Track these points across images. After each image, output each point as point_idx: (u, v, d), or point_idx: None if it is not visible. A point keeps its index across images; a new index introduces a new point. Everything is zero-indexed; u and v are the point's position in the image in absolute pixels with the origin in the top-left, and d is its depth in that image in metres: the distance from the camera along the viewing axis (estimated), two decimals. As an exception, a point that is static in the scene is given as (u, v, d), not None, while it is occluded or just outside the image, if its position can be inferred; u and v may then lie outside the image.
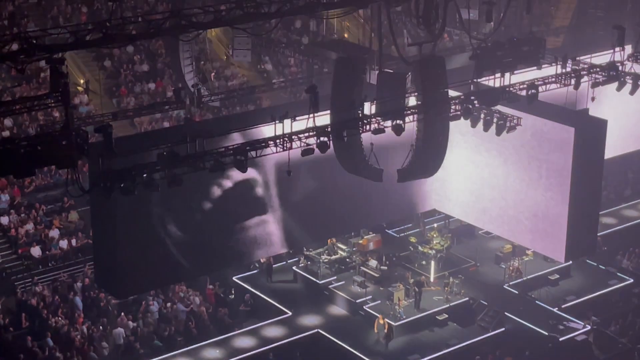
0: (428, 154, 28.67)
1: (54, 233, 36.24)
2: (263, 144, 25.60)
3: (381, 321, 32.26)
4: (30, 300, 33.23)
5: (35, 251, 35.53)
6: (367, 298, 33.86)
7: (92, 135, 23.74)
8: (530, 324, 32.87)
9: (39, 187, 37.81)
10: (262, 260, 35.49)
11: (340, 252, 36.08)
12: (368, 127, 27.20)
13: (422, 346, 32.23)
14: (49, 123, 37.51)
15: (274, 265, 35.86)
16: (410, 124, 27.98)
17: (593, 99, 32.14)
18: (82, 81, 41.64)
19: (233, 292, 35.38)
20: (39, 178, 37.59)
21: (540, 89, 30.05)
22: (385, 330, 32.13)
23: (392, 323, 32.40)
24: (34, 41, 21.81)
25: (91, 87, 41.61)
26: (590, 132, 31.54)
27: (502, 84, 29.32)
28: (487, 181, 33.67)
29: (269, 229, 31.41)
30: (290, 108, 26.24)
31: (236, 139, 26.59)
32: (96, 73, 42.18)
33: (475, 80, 28.76)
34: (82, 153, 22.39)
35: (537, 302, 34.15)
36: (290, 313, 33.72)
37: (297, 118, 25.69)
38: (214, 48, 46.15)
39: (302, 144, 25.91)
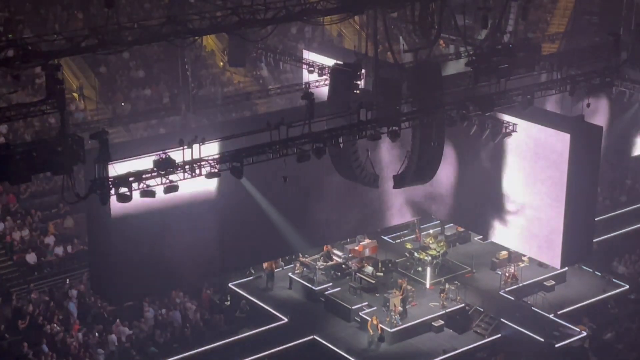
0: (424, 160, 28.68)
1: (50, 239, 36.15)
2: (259, 151, 25.61)
3: (374, 322, 32.26)
4: (26, 306, 33.15)
5: (31, 258, 35.42)
6: (362, 304, 33.81)
7: (88, 142, 23.70)
8: (526, 330, 32.82)
9: (34, 193, 37.71)
10: (264, 266, 35.40)
11: (336, 258, 36.05)
12: (364, 133, 27.21)
13: (418, 352, 32.18)
14: (44, 129, 37.44)
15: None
16: (406, 130, 28.00)
17: (588, 105, 32.17)
18: (75, 87, 41.61)
19: (229, 298, 35.30)
20: (35, 184, 37.50)
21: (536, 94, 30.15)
22: (379, 331, 32.14)
23: (388, 329, 32.40)
24: (30, 47, 21.83)
25: (87, 93, 41.56)
26: (586, 138, 31.56)
27: (497, 90, 29.36)
28: (482, 188, 33.68)
29: (268, 234, 31.39)
30: (286, 114, 26.24)
31: (232, 145, 26.54)
32: (92, 79, 42.11)
33: (470, 86, 28.78)
34: (78, 159, 22.39)
35: (533, 308, 34.12)
36: (286, 320, 33.67)
37: (293, 124, 25.68)
38: (210, 54, 46.14)
39: (298, 150, 25.92)
